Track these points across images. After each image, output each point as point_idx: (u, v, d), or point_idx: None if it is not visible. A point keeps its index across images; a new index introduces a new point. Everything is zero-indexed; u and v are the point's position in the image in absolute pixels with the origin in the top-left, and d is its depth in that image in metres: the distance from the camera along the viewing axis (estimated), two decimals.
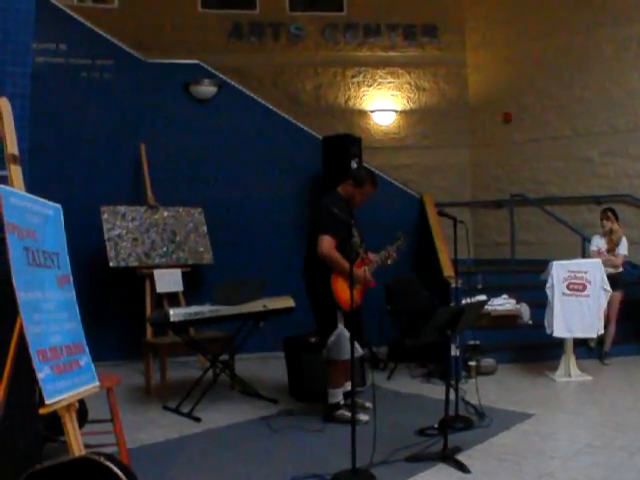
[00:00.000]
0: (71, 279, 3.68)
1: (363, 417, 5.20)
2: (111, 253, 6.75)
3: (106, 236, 6.77)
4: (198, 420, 5.28)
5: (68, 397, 3.23)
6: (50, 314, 3.35)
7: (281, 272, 7.29)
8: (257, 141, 7.86)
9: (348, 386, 5.51)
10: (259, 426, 5.15)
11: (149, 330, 6.82)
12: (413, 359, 6.99)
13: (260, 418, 5.34)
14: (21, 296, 3.09)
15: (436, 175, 9.84)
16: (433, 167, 9.92)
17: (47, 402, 3.05)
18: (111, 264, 6.72)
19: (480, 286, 7.48)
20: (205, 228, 7.45)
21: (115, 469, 2.82)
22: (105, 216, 6.83)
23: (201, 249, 7.38)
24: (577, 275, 6.42)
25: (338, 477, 3.97)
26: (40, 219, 3.49)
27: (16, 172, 3.38)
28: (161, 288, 6.93)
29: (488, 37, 10.02)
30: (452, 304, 6.53)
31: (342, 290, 5.00)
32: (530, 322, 7.36)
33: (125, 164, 7.40)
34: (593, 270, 6.45)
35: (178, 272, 7.07)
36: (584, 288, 6.41)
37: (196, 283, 7.42)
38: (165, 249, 7.14)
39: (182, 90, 7.65)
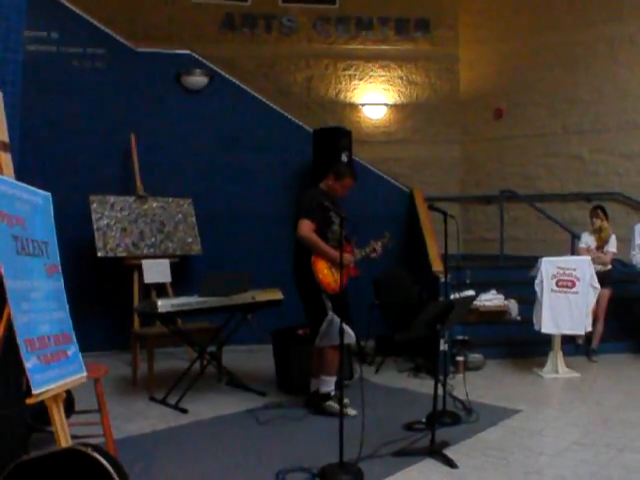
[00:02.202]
0: (60, 268, 3.65)
1: (351, 411, 5.18)
2: (99, 243, 6.70)
3: (95, 226, 6.72)
4: (185, 412, 5.25)
5: (55, 387, 3.21)
6: (38, 303, 3.32)
7: (270, 264, 7.27)
8: (248, 133, 7.82)
9: None
10: (246, 418, 5.13)
11: (136, 321, 6.79)
12: (400, 353, 6.99)
13: (247, 410, 5.32)
14: (9, 285, 3.06)
15: (426, 170, 9.83)
16: (423, 161, 9.91)
17: (34, 392, 3.02)
18: (99, 254, 6.67)
19: (468, 281, 7.48)
20: (194, 219, 7.41)
21: (102, 460, 2.80)
22: (94, 205, 6.77)
23: (189, 240, 7.34)
24: (566, 272, 6.43)
25: (325, 471, 3.96)
26: (29, 207, 3.45)
27: (6, 160, 3.35)
28: (149, 279, 6.89)
29: (480, 33, 10.00)
30: (441, 299, 6.56)
31: (322, 271, 5.11)
32: (518, 318, 7.39)
33: (115, 154, 7.34)
34: (582, 267, 6.48)
35: (166, 263, 7.03)
36: (573, 285, 6.43)
37: (184, 274, 7.38)
38: (154, 239, 7.10)
39: (173, 80, 7.60)
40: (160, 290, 7.01)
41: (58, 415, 3.25)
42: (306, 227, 5.05)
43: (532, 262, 6.97)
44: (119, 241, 6.85)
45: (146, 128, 7.37)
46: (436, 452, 4.28)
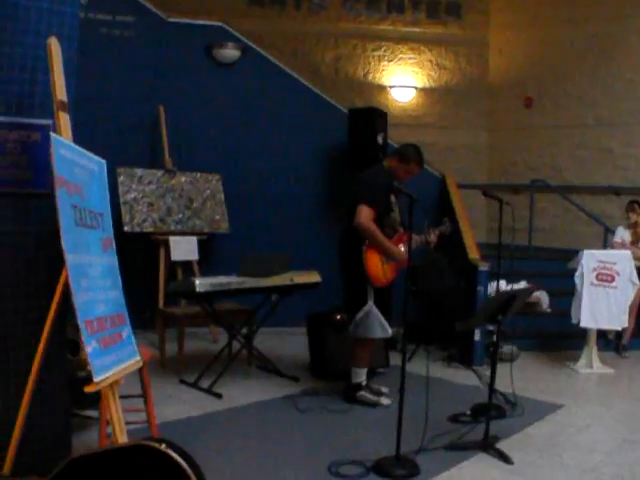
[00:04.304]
0: (114, 243, 3.44)
1: (385, 401, 5.07)
2: (126, 217, 6.48)
3: (121, 199, 6.49)
4: (219, 396, 5.08)
5: (114, 374, 2.98)
6: (95, 281, 3.10)
7: (298, 245, 7.09)
8: (280, 110, 7.59)
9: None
10: (285, 405, 4.97)
11: (161, 299, 6.61)
12: (431, 342, 6.82)
13: (284, 397, 5.16)
14: (69, 259, 2.83)
15: (452, 156, 9.58)
16: (449, 147, 9.66)
17: (96, 379, 2.78)
18: (126, 228, 6.44)
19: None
20: (222, 196, 7.19)
21: (178, 459, 2.44)
22: (121, 178, 6.54)
23: (217, 217, 7.12)
24: (607, 266, 6.27)
25: (381, 464, 3.80)
26: (87, 174, 3.25)
27: (64, 120, 3.13)
28: (176, 256, 6.69)
29: (513, 19, 9.74)
30: (479, 287, 6.41)
31: (374, 264, 4.85)
32: (549, 310, 7.24)
33: (143, 125, 7.09)
34: (622, 262, 6.31)
35: (194, 240, 6.82)
36: (612, 279, 6.27)
37: (210, 253, 7.19)
38: (181, 215, 6.88)
39: (204, 52, 7.34)
40: (186, 268, 6.82)
41: (114, 404, 3.01)
42: (366, 215, 4.72)
43: (561, 254, 6.80)
44: (146, 216, 6.64)
45: (175, 100, 7.12)
46: (490, 447, 4.14)
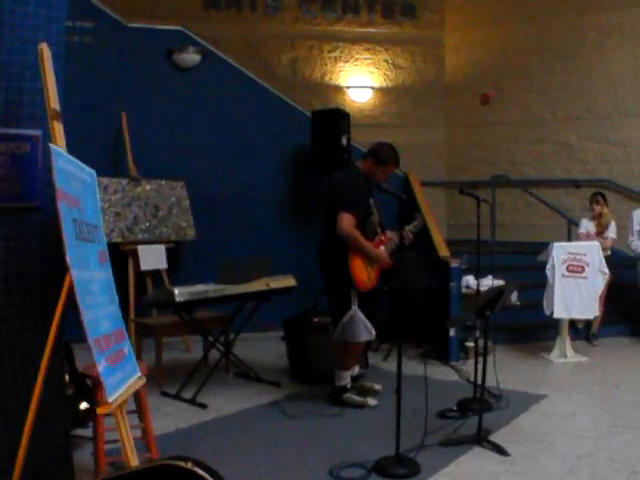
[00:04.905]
0: (107, 256, 3.34)
1: (371, 401, 5.09)
2: None
3: None
4: (204, 407, 4.99)
5: (123, 392, 2.88)
6: (97, 296, 2.98)
7: (266, 249, 7.02)
8: (243, 114, 7.54)
9: (356, 369, 5.38)
10: (271, 412, 4.92)
11: (132, 310, 6.49)
12: (404, 340, 6.85)
13: (269, 403, 5.11)
14: (75, 275, 2.72)
15: (411, 154, 9.59)
16: (408, 146, 9.64)
17: (110, 399, 2.68)
18: None
19: (464, 267, 7.38)
20: (187, 202, 7.09)
21: (207, 477, 2.35)
22: None
23: (184, 224, 7.02)
24: (576, 257, 6.43)
25: (381, 464, 3.81)
26: (81, 186, 3.14)
27: (59, 130, 3.01)
28: (145, 265, 6.57)
29: (467, 18, 9.86)
30: (452, 284, 6.47)
31: (359, 270, 4.85)
32: (518, 303, 7.33)
33: (105, 134, 6.95)
34: (592, 253, 6.49)
35: (162, 248, 6.72)
36: (583, 270, 6.43)
37: (177, 261, 7.08)
38: (148, 224, 6.75)
39: (165, 57, 7.23)
40: (155, 278, 6.70)
41: (124, 424, 2.88)
42: (348, 223, 4.67)
43: (523, 247, 6.87)
44: (113, 226, 6.48)
45: (136, 106, 6.98)
46: (484, 440, 4.18)
